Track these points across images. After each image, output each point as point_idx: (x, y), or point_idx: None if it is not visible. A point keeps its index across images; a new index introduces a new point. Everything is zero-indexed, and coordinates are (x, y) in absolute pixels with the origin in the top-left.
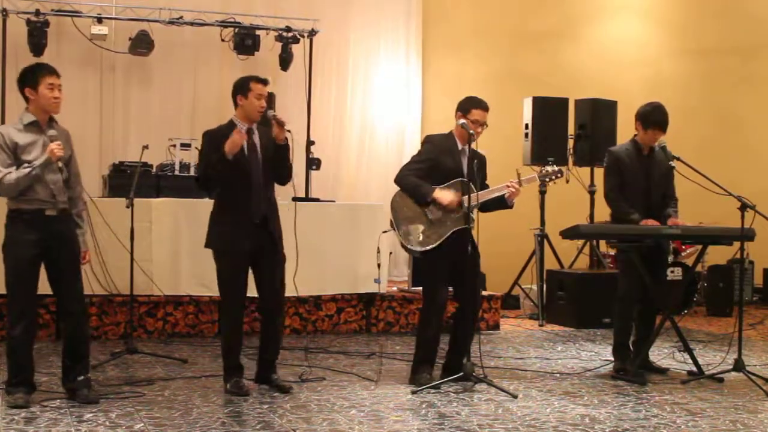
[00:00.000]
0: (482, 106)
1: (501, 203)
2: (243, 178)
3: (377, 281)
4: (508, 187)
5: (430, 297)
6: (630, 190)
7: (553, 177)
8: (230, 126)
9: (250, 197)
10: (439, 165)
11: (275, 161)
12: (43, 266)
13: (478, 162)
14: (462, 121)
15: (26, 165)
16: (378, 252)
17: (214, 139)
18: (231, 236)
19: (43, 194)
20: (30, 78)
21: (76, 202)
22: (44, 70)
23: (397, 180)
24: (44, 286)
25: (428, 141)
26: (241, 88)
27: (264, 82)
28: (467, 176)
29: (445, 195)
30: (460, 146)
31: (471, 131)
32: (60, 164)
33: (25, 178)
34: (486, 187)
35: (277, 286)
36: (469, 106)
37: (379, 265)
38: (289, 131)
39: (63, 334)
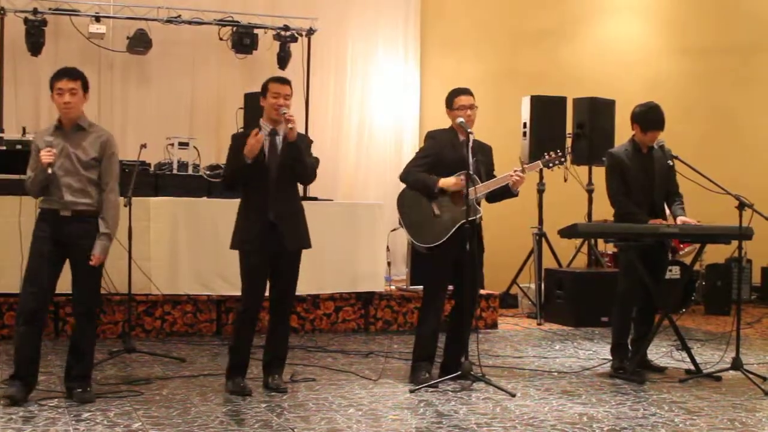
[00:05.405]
0: (464, 92)
1: (506, 192)
2: (260, 179)
3: (388, 279)
4: (512, 176)
5: (431, 294)
6: (632, 190)
7: (556, 161)
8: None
9: (264, 197)
10: (443, 159)
11: (289, 160)
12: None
13: (483, 153)
14: (460, 120)
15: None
16: (387, 250)
17: (238, 142)
18: (247, 236)
19: (56, 195)
20: (50, 84)
21: (104, 205)
22: (56, 74)
23: (402, 177)
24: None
25: (430, 136)
26: (262, 90)
27: (281, 80)
28: (471, 168)
29: (448, 180)
30: (461, 138)
31: (469, 129)
32: (51, 170)
33: (30, 183)
34: (493, 176)
35: (284, 288)
36: (452, 97)
37: (389, 263)
38: (303, 134)
39: (71, 332)
